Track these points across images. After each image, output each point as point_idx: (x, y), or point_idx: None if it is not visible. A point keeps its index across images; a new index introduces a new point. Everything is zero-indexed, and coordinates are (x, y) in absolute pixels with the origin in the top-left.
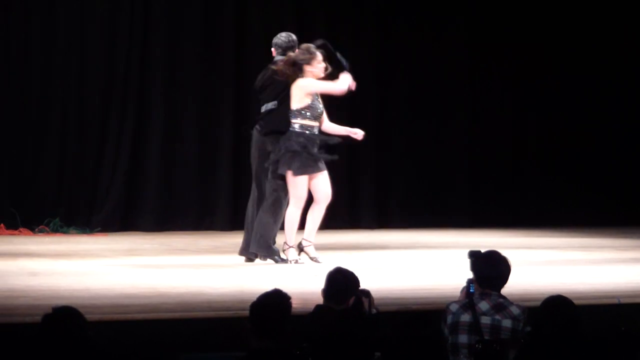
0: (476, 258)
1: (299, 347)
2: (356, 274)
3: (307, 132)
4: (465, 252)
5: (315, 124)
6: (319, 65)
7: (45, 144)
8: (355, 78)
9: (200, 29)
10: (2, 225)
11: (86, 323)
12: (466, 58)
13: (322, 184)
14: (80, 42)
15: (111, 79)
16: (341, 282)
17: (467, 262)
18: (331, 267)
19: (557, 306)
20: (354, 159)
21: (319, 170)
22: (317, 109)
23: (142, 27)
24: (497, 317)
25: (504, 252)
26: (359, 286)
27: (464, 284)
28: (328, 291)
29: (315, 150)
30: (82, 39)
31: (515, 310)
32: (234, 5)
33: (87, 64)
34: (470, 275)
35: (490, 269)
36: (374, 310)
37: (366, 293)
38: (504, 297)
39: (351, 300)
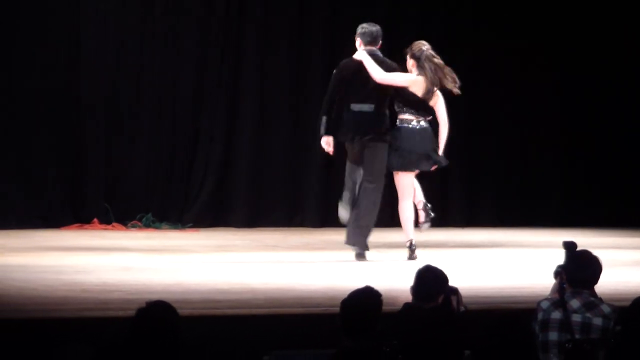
0: (569, 253)
1: (389, 345)
2: (445, 271)
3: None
4: (556, 251)
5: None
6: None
7: (138, 140)
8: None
9: (293, 21)
10: (95, 220)
11: (179, 318)
12: (556, 61)
13: None
14: (172, 37)
15: (203, 75)
16: (430, 279)
17: (558, 261)
18: (420, 265)
19: None
20: (445, 154)
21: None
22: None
23: (235, 24)
24: (588, 315)
25: (594, 252)
26: (448, 284)
27: (554, 281)
28: (417, 289)
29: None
30: (175, 34)
31: (606, 308)
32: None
33: (180, 61)
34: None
35: (581, 269)
36: (462, 308)
37: (454, 291)
38: (595, 295)
39: (440, 298)
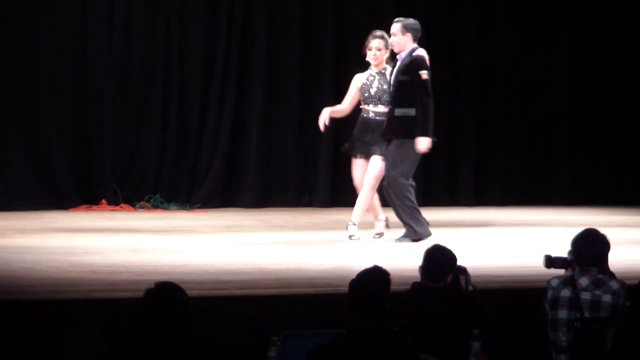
0: (549, 264)
1: (397, 325)
2: (454, 251)
3: (364, 115)
4: (565, 230)
5: (367, 107)
6: (368, 51)
7: (146, 121)
8: (457, 65)
9: (301, 6)
10: (104, 201)
11: (188, 299)
12: (564, 45)
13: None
14: (181, 20)
15: (211, 57)
16: (439, 259)
17: (566, 239)
18: (429, 245)
19: None
20: (453, 136)
21: (353, 155)
22: (366, 92)
23: (243, 5)
24: (597, 292)
25: (602, 230)
26: (457, 263)
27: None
28: (426, 268)
29: (367, 134)
30: (183, 16)
31: (614, 285)
32: None
33: (188, 43)
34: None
35: (588, 248)
36: (470, 288)
37: (463, 270)
38: (605, 270)
39: (449, 278)
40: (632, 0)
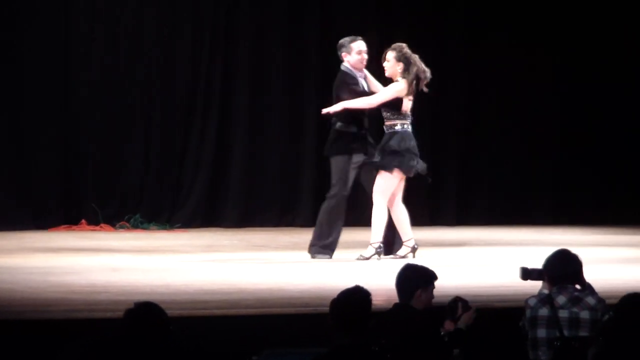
0: (525, 276)
1: (378, 344)
2: (435, 270)
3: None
4: (547, 249)
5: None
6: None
7: (128, 141)
8: (441, 80)
9: (285, 15)
10: (83, 221)
11: (168, 319)
12: (551, 62)
13: None
14: (165, 39)
15: (194, 75)
16: (407, 277)
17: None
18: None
19: (635, 303)
20: (436, 155)
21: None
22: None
23: (226, 21)
24: (575, 309)
25: (583, 250)
26: (428, 280)
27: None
28: (397, 287)
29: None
30: (167, 34)
31: (591, 300)
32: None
33: (171, 62)
34: None
35: (561, 267)
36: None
37: (464, 302)
38: (583, 285)
39: (419, 293)
40: (614, 7)
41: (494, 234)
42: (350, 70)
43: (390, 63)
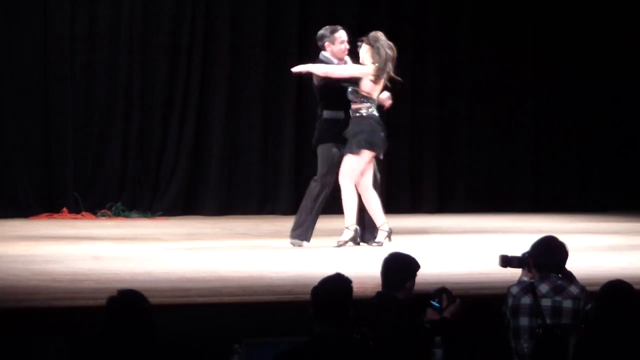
0: (534, 244)
1: (360, 332)
2: (417, 258)
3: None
4: (528, 237)
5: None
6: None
7: (109, 130)
8: (420, 68)
9: (265, 9)
10: (65, 209)
11: (150, 307)
12: (529, 50)
13: None
14: (144, 31)
15: (174, 66)
16: (395, 268)
17: (528, 247)
18: (388, 253)
19: (616, 291)
20: (416, 143)
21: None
22: None
23: (205, 14)
24: (558, 298)
25: (565, 237)
26: (415, 269)
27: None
28: (384, 278)
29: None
30: (146, 27)
31: (574, 290)
32: None
33: (150, 53)
34: None
35: (547, 255)
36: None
37: (446, 291)
38: (565, 275)
39: (407, 284)
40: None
41: (474, 222)
42: (329, 59)
43: (363, 49)
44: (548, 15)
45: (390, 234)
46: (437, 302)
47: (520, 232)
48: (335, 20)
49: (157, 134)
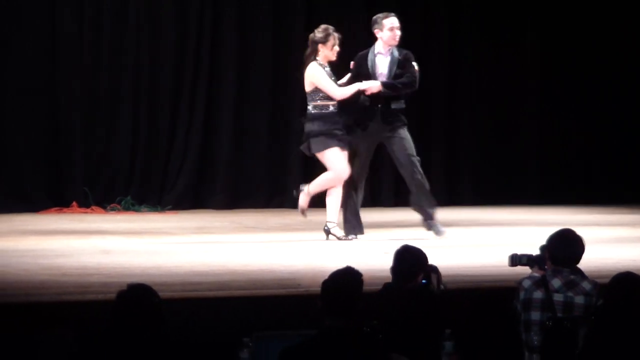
0: (513, 264)
1: (369, 325)
2: (425, 251)
3: (323, 111)
4: (536, 229)
5: (329, 102)
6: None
7: (117, 123)
8: (427, 64)
9: (272, 10)
10: (74, 203)
11: (160, 300)
12: (536, 46)
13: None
14: (151, 24)
15: (182, 60)
16: (409, 260)
17: (537, 239)
18: (399, 245)
19: (626, 282)
20: (424, 135)
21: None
22: None
23: (213, 9)
24: (570, 293)
25: (573, 229)
26: (427, 263)
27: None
28: (396, 270)
29: (335, 127)
30: (153, 20)
31: (587, 285)
32: None
33: (158, 46)
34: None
35: (564, 247)
36: (441, 287)
37: (434, 269)
38: (575, 272)
39: (420, 278)
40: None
41: (483, 214)
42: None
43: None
44: (558, 9)
45: (328, 232)
46: (426, 281)
47: (530, 225)
48: (343, 17)
49: (165, 128)
